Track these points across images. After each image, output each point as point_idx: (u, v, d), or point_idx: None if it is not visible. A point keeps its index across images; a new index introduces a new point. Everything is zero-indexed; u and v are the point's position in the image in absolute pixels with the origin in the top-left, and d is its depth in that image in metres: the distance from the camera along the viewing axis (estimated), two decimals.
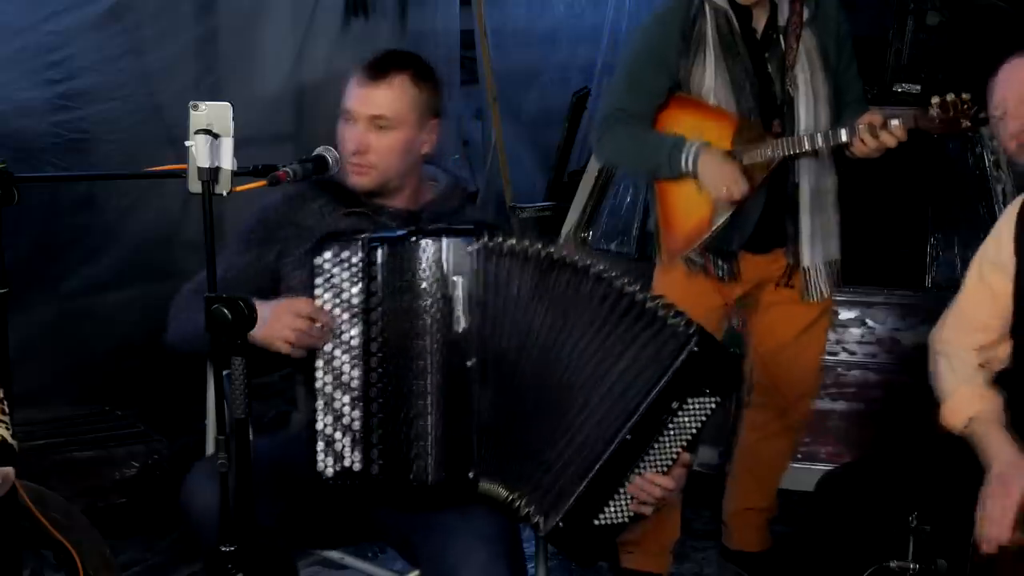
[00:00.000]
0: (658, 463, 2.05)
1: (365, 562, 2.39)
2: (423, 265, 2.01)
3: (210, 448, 2.38)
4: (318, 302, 2.02)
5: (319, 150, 2.08)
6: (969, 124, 2.58)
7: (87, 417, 3.62)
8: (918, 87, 4.04)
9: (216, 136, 1.76)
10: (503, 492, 2.06)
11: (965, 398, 2.27)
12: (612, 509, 2.06)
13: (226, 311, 1.72)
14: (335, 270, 2.02)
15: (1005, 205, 3.44)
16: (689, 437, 2.05)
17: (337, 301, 2.02)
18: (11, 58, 3.53)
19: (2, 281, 1.91)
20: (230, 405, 1.78)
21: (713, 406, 2.04)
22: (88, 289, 3.82)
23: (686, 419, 2.04)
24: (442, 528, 2.04)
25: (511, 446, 2.05)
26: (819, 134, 2.72)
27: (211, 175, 1.76)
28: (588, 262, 2.02)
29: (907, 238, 3.86)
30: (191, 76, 4.04)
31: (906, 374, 3.50)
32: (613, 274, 2.03)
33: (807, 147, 2.73)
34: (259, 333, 1.91)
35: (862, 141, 2.64)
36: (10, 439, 1.92)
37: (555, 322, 2.03)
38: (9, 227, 1.88)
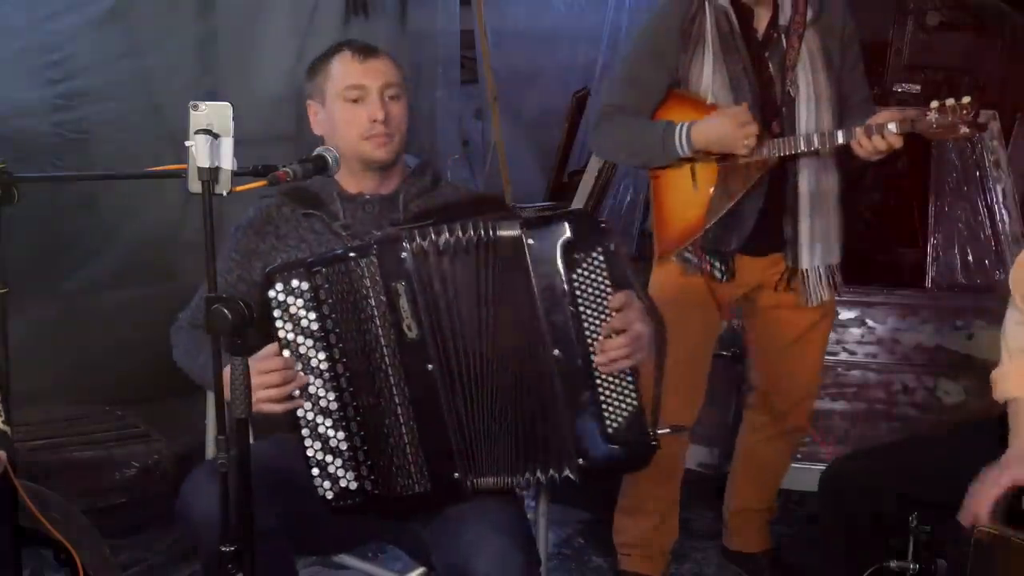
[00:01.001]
0: (599, 334, 2.03)
1: (365, 562, 2.39)
2: (363, 280, 2.03)
3: (210, 448, 2.38)
4: (281, 333, 2.05)
5: (319, 150, 2.08)
6: (967, 130, 2.54)
7: (87, 417, 3.62)
8: (918, 87, 4.05)
9: (216, 136, 1.76)
10: (504, 481, 2.07)
11: (1010, 375, 2.28)
12: (612, 410, 2.04)
13: (226, 311, 1.73)
14: (289, 299, 2.05)
15: (1005, 205, 3.46)
16: (605, 294, 2.02)
17: (299, 329, 2.05)
18: (11, 58, 3.53)
19: (2, 281, 1.92)
20: (230, 405, 1.79)
21: (600, 255, 2.01)
22: (88, 289, 3.81)
23: (589, 289, 2.01)
24: (453, 518, 2.05)
25: (492, 435, 2.06)
26: (815, 135, 2.69)
27: (211, 175, 1.76)
28: (468, 234, 2.02)
29: (907, 238, 3.86)
30: (191, 76, 4.03)
31: (906, 374, 3.51)
32: (469, 232, 2.02)
33: (803, 148, 2.70)
34: None
35: (859, 143, 2.62)
36: (2, 424, 1.93)
37: (474, 304, 2.03)
38: (9, 227, 1.88)
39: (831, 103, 2.78)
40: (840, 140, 2.66)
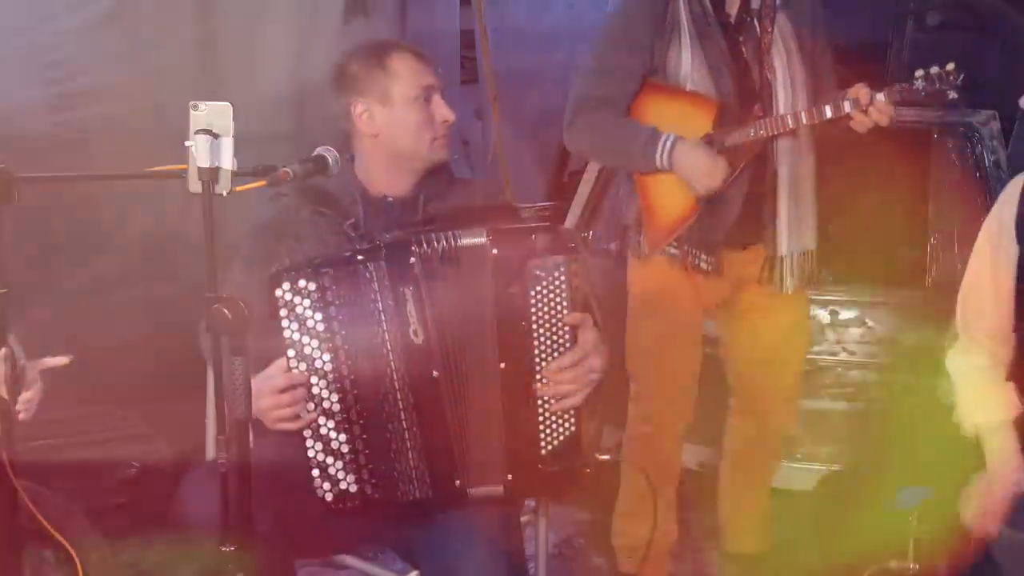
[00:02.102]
0: (551, 353, 2.02)
1: (365, 562, 2.39)
2: (371, 284, 2.02)
3: (210, 448, 2.38)
4: (286, 333, 2.04)
5: (319, 150, 2.08)
6: (956, 95, 2.59)
7: (87, 417, 3.62)
8: None
9: (216, 136, 1.76)
10: (500, 490, 2.06)
11: (968, 403, 2.25)
12: (549, 432, 2.03)
13: (226, 311, 1.73)
14: (295, 299, 2.03)
15: None
16: (561, 315, 2.01)
17: (304, 330, 2.04)
18: (11, 58, 3.54)
19: (2, 281, 1.92)
20: (230, 405, 1.78)
21: (563, 274, 1.99)
22: (88, 289, 3.81)
23: (546, 308, 2.00)
24: (441, 523, 2.06)
25: (482, 443, 2.05)
26: (803, 112, 2.70)
27: (211, 175, 1.76)
28: (441, 244, 2.02)
29: (907, 238, 3.86)
30: (191, 76, 4.03)
31: (906, 374, 3.50)
32: (442, 242, 2.01)
33: (791, 125, 2.70)
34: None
35: (852, 117, 2.64)
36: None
37: (463, 311, 2.03)
38: (9, 227, 1.88)
39: (805, 85, 2.79)
40: (828, 114, 2.66)
